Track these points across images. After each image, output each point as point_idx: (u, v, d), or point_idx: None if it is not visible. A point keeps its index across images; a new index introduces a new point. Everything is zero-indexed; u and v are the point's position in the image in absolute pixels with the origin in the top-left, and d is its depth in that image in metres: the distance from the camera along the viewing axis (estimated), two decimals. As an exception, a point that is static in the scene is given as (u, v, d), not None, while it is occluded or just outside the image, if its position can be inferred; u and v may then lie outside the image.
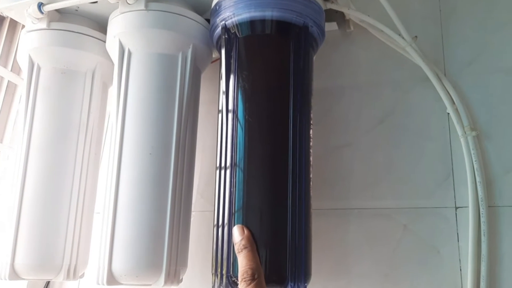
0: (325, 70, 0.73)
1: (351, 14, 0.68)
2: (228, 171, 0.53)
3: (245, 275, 0.45)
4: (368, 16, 0.66)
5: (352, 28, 0.73)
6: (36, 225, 0.62)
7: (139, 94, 0.60)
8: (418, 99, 0.67)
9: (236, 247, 0.48)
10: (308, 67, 0.57)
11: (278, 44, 0.56)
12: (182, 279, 0.60)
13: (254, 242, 0.47)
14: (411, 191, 0.62)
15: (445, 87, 0.63)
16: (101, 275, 0.55)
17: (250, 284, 0.44)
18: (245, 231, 0.48)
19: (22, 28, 0.92)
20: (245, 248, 0.47)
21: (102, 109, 0.71)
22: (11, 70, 0.89)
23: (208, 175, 0.74)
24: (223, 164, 0.54)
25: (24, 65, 0.67)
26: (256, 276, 0.45)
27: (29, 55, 0.66)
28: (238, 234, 0.48)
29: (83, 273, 0.68)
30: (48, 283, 0.78)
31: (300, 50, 0.56)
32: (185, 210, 0.60)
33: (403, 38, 0.64)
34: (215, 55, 0.71)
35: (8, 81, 0.90)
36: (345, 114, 0.70)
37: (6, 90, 0.89)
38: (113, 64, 0.70)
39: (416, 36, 0.65)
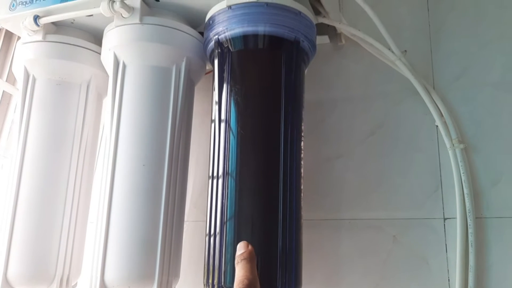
0: (317, 82, 0.74)
1: (342, 28, 0.70)
2: (220, 181, 0.54)
3: (240, 285, 0.44)
4: (359, 30, 0.68)
5: (343, 41, 0.75)
6: (30, 235, 0.62)
7: (133, 106, 0.61)
8: (408, 112, 0.68)
9: (236, 258, 0.47)
10: (300, 81, 0.58)
11: (270, 58, 0.57)
12: (174, 289, 0.61)
13: (255, 258, 0.47)
14: (401, 202, 0.64)
15: (433, 100, 0.65)
16: (93, 285, 0.56)
17: None
18: (249, 247, 0.48)
19: (17, 40, 0.93)
20: (244, 259, 0.46)
21: (96, 120, 0.72)
22: (6, 81, 0.90)
23: (202, 185, 0.75)
24: (215, 174, 0.55)
25: (19, 76, 0.68)
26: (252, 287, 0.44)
27: (25, 66, 0.67)
28: (241, 248, 0.48)
29: (76, 283, 0.68)
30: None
31: (292, 64, 0.57)
32: (177, 221, 0.61)
33: (392, 52, 0.66)
34: (208, 67, 0.72)
35: (3, 91, 0.90)
36: (337, 126, 0.71)
37: (1, 100, 0.90)
38: (107, 76, 0.70)
39: (405, 50, 0.66)
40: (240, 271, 0.45)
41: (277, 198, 0.52)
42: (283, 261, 0.50)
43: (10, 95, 0.91)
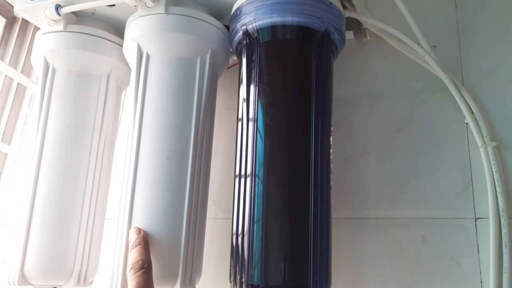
0: (341, 78, 0.72)
1: (370, 22, 0.68)
2: (248, 179, 0.52)
3: (135, 265, 0.49)
4: (387, 25, 0.66)
5: (368, 37, 0.73)
6: (48, 230, 0.61)
7: (157, 98, 0.59)
8: (436, 109, 0.66)
9: (130, 244, 0.51)
10: (330, 74, 0.56)
11: (300, 50, 0.56)
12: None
13: (148, 242, 0.52)
14: (429, 201, 0.62)
15: (463, 97, 0.63)
16: (115, 280, 0.54)
17: (138, 271, 0.48)
18: (141, 232, 0.53)
19: (33, 31, 0.92)
20: (139, 244, 0.51)
21: (115, 113, 0.70)
22: (21, 73, 0.88)
23: (221, 182, 0.73)
24: (242, 172, 0.53)
25: (38, 67, 0.66)
26: (145, 266, 0.49)
27: (44, 57, 0.66)
28: (134, 234, 0.52)
29: (92, 280, 0.66)
30: (54, 289, 0.77)
31: (322, 56, 0.55)
32: (200, 216, 0.59)
33: (422, 47, 0.64)
34: (231, 61, 0.71)
35: (18, 83, 0.89)
36: (361, 123, 0.69)
37: (15, 93, 0.88)
38: (128, 68, 0.69)
39: (435, 46, 0.65)
40: (135, 254, 0.50)
41: (307, 196, 0.50)
42: (315, 260, 0.49)
43: (25, 87, 0.90)
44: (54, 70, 0.66)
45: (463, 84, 0.65)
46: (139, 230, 0.53)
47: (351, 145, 0.68)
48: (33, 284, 0.60)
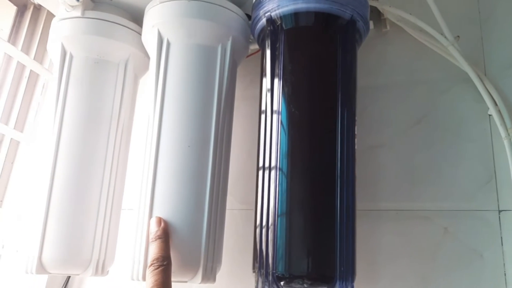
0: (360, 69, 0.70)
1: (392, 12, 0.67)
2: (272, 172, 0.51)
3: (154, 261, 0.48)
4: (410, 14, 0.65)
5: (388, 27, 0.72)
6: (65, 219, 0.60)
7: (178, 85, 0.58)
8: (457, 100, 0.65)
9: (151, 237, 0.51)
10: (355, 63, 0.56)
11: (325, 38, 0.55)
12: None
13: (168, 235, 0.51)
14: (451, 193, 0.61)
15: (487, 89, 0.62)
16: (136, 270, 0.53)
17: (157, 268, 0.48)
18: (162, 223, 0.52)
19: (45, 19, 0.91)
20: (159, 238, 0.50)
21: (132, 101, 0.70)
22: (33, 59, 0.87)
23: (237, 172, 0.73)
24: (266, 164, 0.52)
25: (55, 54, 0.65)
26: (165, 263, 0.48)
27: (62, 43, 0.65)
28: (154, 225, 0.51)
29: (108, 271, 0.66)
30: (68, 279, 0.76)
31: (347, 44, 0.55)
32: (221, 206, 0.58)
33: (445, 37, 0.63)
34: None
35: (30, 71, 0.88)
36: (380, 114, 0.68)
37: (27, 81, 0.87)
38: (145, 56, 0.68)
39: (458, 36, 0.64)
40: (155, 249, 0.49)
41: (334, 186, 0.50)
42: (342, 251, 0.48)
43: (37, 75, 0.89)
44: (71, 57, 0.65)
45: (485, 75, 0.65)
46: (160, 221, 0.52)
47: (370, 136, 0.67)
48: (50, 273, 0.60)
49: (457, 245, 0.59)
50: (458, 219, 0.60)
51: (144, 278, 0.53)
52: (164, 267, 0.48)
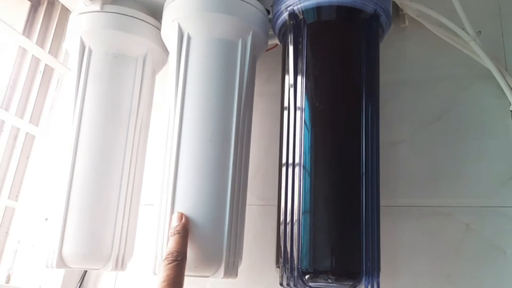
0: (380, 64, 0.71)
1: (412, 7, 0.67)
2: (296, 168, 0.51)
3: (169, 256, 0.48)
4: (431, 9, 0.65)
5: (407, 22, 0.72)
6: (86, 213, 0.60)
7: (199, 80, 0.58)
8: (478, 96, 0.65)
9: (170, 231, 0.51)
10: (378, 58, 0.55)
11: (349, 32, 0.55)
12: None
13: (188, 232, 0.51)
14: (473, 189, 0.61)
15: (509, 84, 0.62)
16: (158, 265, 0.53)
17: (171, 263, 0.47)
18: (183, 219, 0.52)
19: (59, 14, 0.91)
20: (178, 233, 0.50)
21: (150, 97, 0.69)
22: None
23: (255, 168, 0.72)
24: (290, 160, 0.52)
25: (74, 48, 0.65)
26: (179, 258, 0.48)
27: (81, 37, 0.64)
28: (176, 220, 0.52)
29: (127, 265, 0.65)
30: (84, 274, 0.76)
31: (371, 38, 0.54)
32: (242, 201, 0.58)
33: (467, 32, 0.63)
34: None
35: (45, 65, 0.88)
36: (400, 109, 0.68)
37: (42, 75, 0.87)
38: (163, 51, 0.68)
39: (479, 31, 0.63)
40: (172, 244, 0.49)
41: (359, 182, 0.50)
42: (367, 247, 0.48)
43: (52, 70, 0.89)
44: (90, 51, 0.65)
45: (506, 71, 0.64)
46: (182, 216, 0.52)
47: (390, 132, 0.66)
48: (70, 267, 0.60)
49: (479, 242, 0.58)
50: (480, 216, 0.59)
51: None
52: (178, 262, 0.48)
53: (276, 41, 0.69)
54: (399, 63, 0.71)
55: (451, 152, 0.63)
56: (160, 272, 0.47)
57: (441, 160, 0.63)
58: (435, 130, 0.65)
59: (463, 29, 0.63)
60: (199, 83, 0.58)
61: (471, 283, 0.57)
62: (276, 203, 0.69)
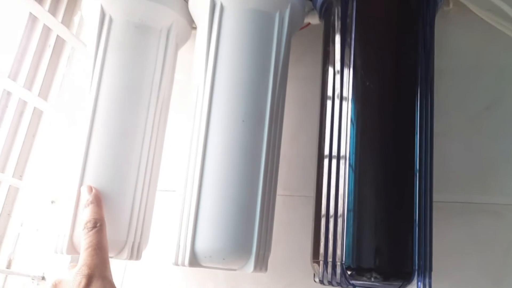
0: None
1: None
2: (341, 158, 0.46)
3: (88, 224, 0.49)
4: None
5: (450, 5, 0.66)
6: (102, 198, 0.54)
7: (232, 54, 0.53)
8: (529, 87, 0.60)
9: (84, 203, 0.51)
10: (434, 35, 0.50)
11: (404, 7, 0.49)
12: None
13: (101, 199, 0.52)
14: (523, 187, 0.56)
15: None
16: (181, 255, 0.48)
17: (91, 230, 0.48)
18: (93, 190, 0.52)
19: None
20: (91, 203, 0.51)
21: (172, 73, 0.64)
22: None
23: (281, 156, 0.67)
24: (335, 151, 0.47)
25: (94, 17, 0.60)
26: (98, 225, 0.49)
27: (101, 5, 0.59)
28: (86, 193, 0.52)
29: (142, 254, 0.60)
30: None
31: (427, 15, 0.49)
32: (274, 189, 0.53)
33: (524, 16, 0.58)
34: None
35: (55, 39, 0.82)
36: (444, 99, 0.63)
37: (53, 48, 0.82)
38: (188, 24, 0.63)
39: (536, 16, 0.58)
40: (88, 213, 0.50)
41: (412, 174, 0.45)
42: (420, 245, 0.43)
43: (62, 44, 0.83)
44: (110, 21, 0.59)
45: (562, 61, 0.59)
46: (91, 188, 0.53)
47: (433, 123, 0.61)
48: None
49: (531, 244, 0.53)
50: (532, 216, 0.54)
51: (190, 264, 0.48)
52: (97, 228, 0.49)
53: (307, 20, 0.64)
54: (441, 49, 0.66)
55: (499, 145, 0.58)
56: (82, 241, 0.48)
57: (489, 153, 0.58)
58: (483, 122, 0.60)
59: (517, 13, 0.58)
60: (232, 58, 0.53)
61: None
62: (303, 194, 0.65)
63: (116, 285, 0.46)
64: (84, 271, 0.44)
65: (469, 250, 0.55)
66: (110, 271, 0.47)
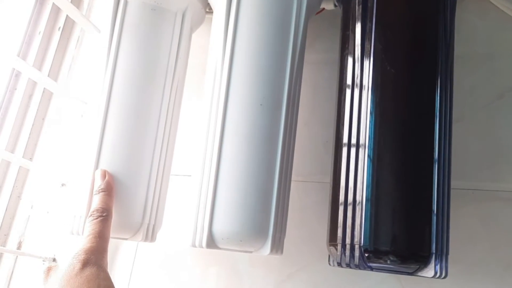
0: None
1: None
2: (361, 144, 0.46)
3: (94, 212, 0.49)
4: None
5: (466, -7, 0.66)
6: (116, 179, 0.54)
7: (251, 37, 0.53)
8: (544, 75, 0.60)
9: (95, 189, 0.51)
10: (454, 22, 0.50)
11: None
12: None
13: (113, 188, 0.52)
14: (536, 174, 0.56)
15: None
16: (199, 237, 0.49)
17: (96, 219, 0.48)
18: (107, 177, 0.52)
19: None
20: (103, 191, 0.50)
21: (187, 56, 0.64)
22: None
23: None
24: (354, 138, 0.47)
25: (108, -1, 0.59)
26: (104, 214, 0.49)
27: (117, -14, 0.58)
28: (99, 178, 0.52)
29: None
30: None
31: (447, 3, 0.49)
32: (289, 173, 0.54)
33: (541, 4, 0.58)
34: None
35: (64, 21, 0.81)
36: (457, 86, 0.62)
37: (62, 29, 0.81)
38: (203, 7, 0.63)
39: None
40: (97, 201, 0.50)
41: (432, 158, 0.45)
42: (438, 229, 0.43)
43: (73, 23, 0.82)
44: (126, 2, 0.59)
45: None
46: (105, 174, 0.52)
47: (447, 110, 0.62)
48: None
49: (543, 231, 0.54)
50: (544, 203, 0.55)
51: (207, 246, 0.48)
52: (103, 217, 0.48)
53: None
54: (456, 37, 0.66)
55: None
56: (86, 227, 0.48)
57: (503, 141, 0.59)
58: (497, 109, 0.60)
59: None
60: (250, 40, 0.52)
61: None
62: (315, 179, 0.65)
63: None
64: (81, 256, 0.44)
65: (480, 236, 0.56)
66: (106, 262, 0.46)
